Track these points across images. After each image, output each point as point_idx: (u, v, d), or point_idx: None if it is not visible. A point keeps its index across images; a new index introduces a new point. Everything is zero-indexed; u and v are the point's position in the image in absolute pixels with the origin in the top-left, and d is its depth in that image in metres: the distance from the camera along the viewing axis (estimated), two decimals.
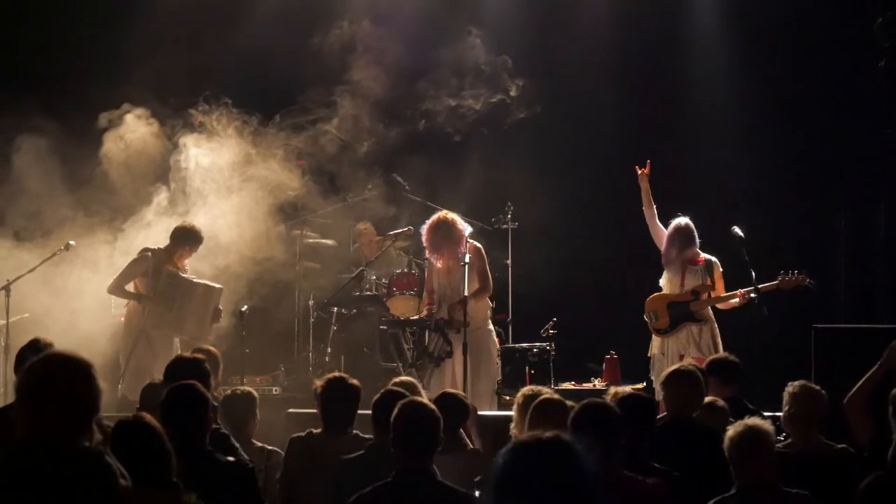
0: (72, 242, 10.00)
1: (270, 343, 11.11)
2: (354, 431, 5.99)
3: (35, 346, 5.96)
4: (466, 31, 11.36)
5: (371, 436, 5.72)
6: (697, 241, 9.39)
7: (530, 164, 11.93)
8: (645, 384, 9.63)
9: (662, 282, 9.54)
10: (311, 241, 11.90)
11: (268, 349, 11.05)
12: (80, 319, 9.97)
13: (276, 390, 10.67)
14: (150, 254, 9.46)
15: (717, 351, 8.95)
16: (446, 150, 11.77)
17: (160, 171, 10.66)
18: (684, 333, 9.34)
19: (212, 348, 7.42)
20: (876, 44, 10.90)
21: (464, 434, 5.99)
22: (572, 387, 10.42)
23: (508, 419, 6.44)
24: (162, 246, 9.54)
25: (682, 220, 9.43)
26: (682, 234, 9.38)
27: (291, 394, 10.35)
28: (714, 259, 9.44)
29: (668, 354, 9.34)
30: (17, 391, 3.89)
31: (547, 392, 6.01)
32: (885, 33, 10.76)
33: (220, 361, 7.22)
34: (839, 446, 5.91)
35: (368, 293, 11.12)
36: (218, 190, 10.42)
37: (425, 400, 5.23)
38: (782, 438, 6.00)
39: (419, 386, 6.59)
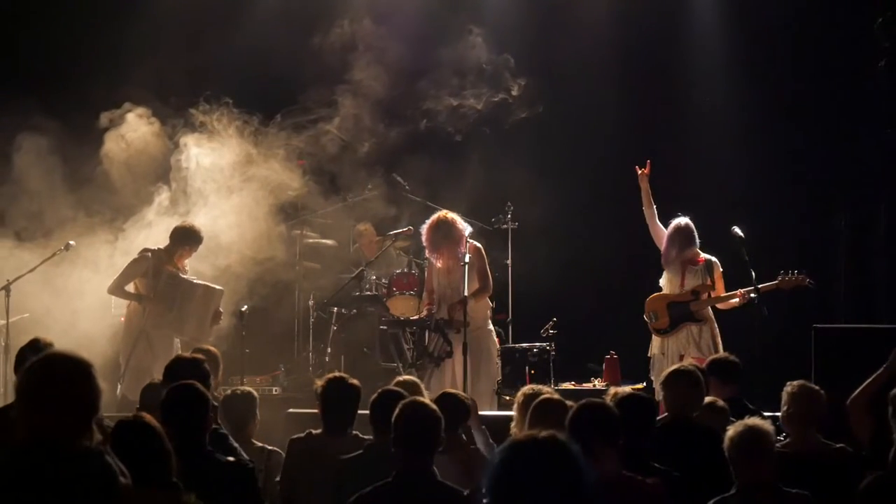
0: (72, 242, 10.00)
1: (270, 343, 11.11)
2: (354, 432, 5.99)
3: (35, 346, 5.96)
4: (467, 29, 11.36)
5: (371, 436, 5.72)
6: (697, 241, 9.39)
7: (530, 163, 11.93)
8: (645, 384, 9.63)
9: (662, 282, 9.54)
10: (311, 241, 11.90)
11: (268, 349, 11.04)
12: (80, 319, 9.97)
13: (276, 390, 10.67)
14: (149, 254, 9.45)
15: (717, 351, 8.95)
16: (446, 150, 11.77)
17: (161, 170, 10.66)
18: (684, 333, 9.34)
19: (212, 348, 7.42)
20: (876, 44, 10.90)
21: (463, 434, 5.98)
22: (572, 387, 10.42)
23: (508, 419, 6.44)
24: (162, 246, 9.53)
25: (683, 220, 9.43)
26: (682, 234, 9.38)
27: (291, 394, 10.35)
28: (714, 259, 9.44)
29: (668, 354, 9.34)
30: (17, 391, 3.88)
31: (547, 391, 6.02)
32: (885, 33, 10.76)
33: (220, 361, 7.22)
34: (837, 446, 5.92)
35: (368, 293, 11.12)
36: (218, 190, 10.42)
37: (426, 400, 5.23)
38: (782, 438, 6.00)
39: (422, 386, 6.59)
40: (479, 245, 9.49)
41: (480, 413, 6.60)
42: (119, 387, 9.19)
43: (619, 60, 12.37)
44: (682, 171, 11.65)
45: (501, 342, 10.42)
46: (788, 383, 6.02)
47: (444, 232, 9.29)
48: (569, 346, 10.80)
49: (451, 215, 9.42)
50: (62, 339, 7.29)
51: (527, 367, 10.29)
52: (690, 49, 12.46)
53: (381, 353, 10.90)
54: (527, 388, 6.18)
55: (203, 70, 11.52)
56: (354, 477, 5.18)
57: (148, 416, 4.60)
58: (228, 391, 6.73)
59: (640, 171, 9.67)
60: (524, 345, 10.57)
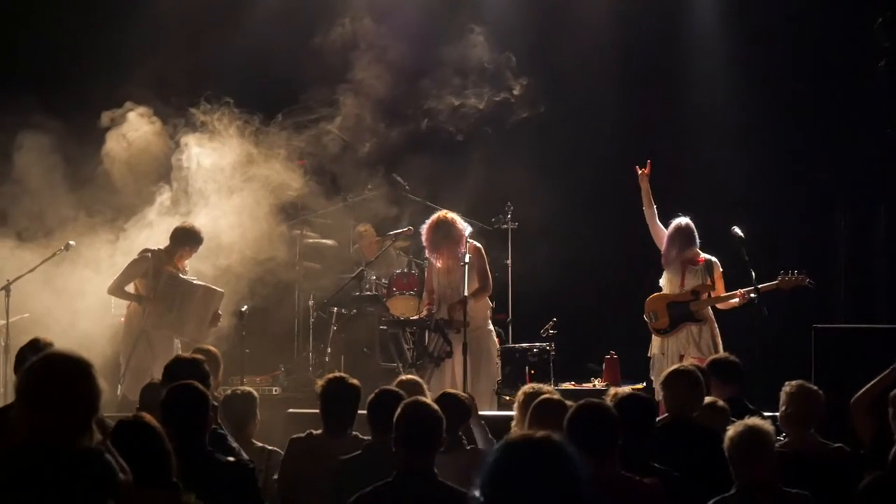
0: (72, 242, 9.99)
1: (270, 343, 11.10)
2: (354, 433, 5.99)
3: (35, 346, 5.96)
4: (468, 28, 11.36)
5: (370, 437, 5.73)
6: (698, 241, 9.39)
7: (530, 163, 11.93)
8: (645, 384, 9.63)
9: (662, 282, 9.54)
10: (311, 241, 11.90)
11: (268, 349, 11.04)
12: (80, 320, 9.96)
13: (276, 390, 10.66)
14: (149, 255, 9.45)
15: (717, 351, 8.95)
16: (447, 150, 11.77)
17: (163, 170, 10.65)
18: (684, 333, 9.34)
19: (212, 348, 7.41)
20: (876, 44, 10.91)
21: (463, 436, 5.98)
22: (572, 387, 10.41)
23: (508, 419, 6.44)
24: (162, 247, 9.53)
25: (683, 220, 9.43)
26: (682, 234, 9.38)
27: (291, 394, 10.35)
28: (714, 259, 9.44)
29: (668, 354, 9.34)
30: (17, 391, 3.88)
31: (547, 391, 6.02)
32: (885, 33, 10.77)
33: (220, 362, 7.21)
34: (835, 445, 5.93)
35: (368, 293, 11.11)
36: (219, 190, 10.42)
37: (428, 400, 5.23)
38: (782, 438, 6.00)
39: (425, 385, 6.59)
40: (479, 245, 9.49)
41: (480, 413, 6.60)
42: (119, 387, 9.19)
43: (619, 60, 12.37)
44: (682, 171, 11.65)
45: (501, 342, 10.42)
46: (787, 383, 6.03)
47: (444, 232, 9.29)
48: (569, 346, 10.80)
49: (451, 215, 9.42)
50: (62, 339, 7.28)
51: (527, 367, 10.29)
52: (690, 49, 12.46)
53: (381, 353, 10.89)
54: (527, 387, 6.19)
55: (203, 70, 11.52)
56: (353, 477, 5.18)
57: (148, 416, 4.60)
58: (228, 391, 6.73)
59: (640, 171, 9.67)
60: (524, 345, 10.57)
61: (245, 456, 5.56)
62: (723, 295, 9.33)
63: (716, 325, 9.36)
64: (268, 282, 10.63)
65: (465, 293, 8.90)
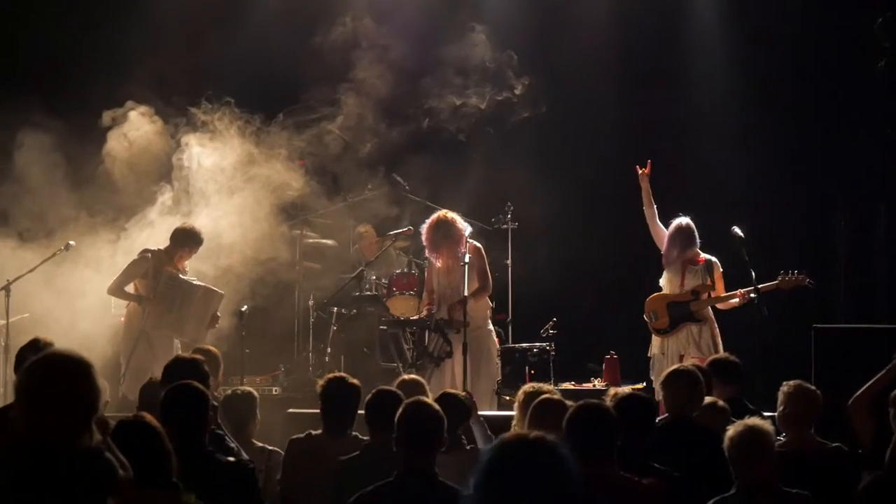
0: (72, 242, 9.99)
1: (270, 343, 11.10)
2: (354, 433, 5.98)
3: (35, 346, 5.95)
4: (469, 27, 11.36)
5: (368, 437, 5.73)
6: (698, 240, 9.39)
7: (530, 163, 11.93)
8: (645, 384, 9.63)
9: (662, 282, 9.55)
10: (311, 241, 11.90)
11: (268, 349, 11.04)
12: (80, 320, 9.96)
13: (275, 390, 10.66)
14: (149, 255, 9.45)
15: (717, 351, 8.95)
16: (447, 150, 11.77)
17: (164, 169, 10.65)
18: (684, 333, 9.34)
19: (212, 348, 7.41)
20: (876, 44, 10.90)
21: (463, 436, 5.98)
22: (572, 387, 10.40)
23: (508, 419, 6.44)
24: (162, 247, 9.53)
25: (683, 220, 9.43)
26: (682, 234, 9.38)
27: (291, 394, 10.35)
28: (714, 259, 9.44)
29: (668, 354, 9.34)
30: (17, 390, 3.87)
31: (548, 390, 6.02)
32: (885, 33, 10.78)
33: (220, 362, 7.20)
34: (833, 445, 5.93)
35: (368, 293, 11.11)
36: (220, 190, 10.42)
37: (429, 400, 5.23)
38: (782, 438, 6.00)
39: (426, 385, 6.59)
40: (479, 245, 9.49)
41: (480, 413, 6.60)
42: (120, 387, 9.18)
43: (619, 60, 12.37)
44: (682, 171, 11.65)
45: (501, 342, 10.41)
46: (784, 383, 6.04)
47: (444, 231, 9.29)
48: (569, 346, 10.80)
49: (451, 215, 9.43)
50: (62, 340, 7.26)
51: (527, 367, 10.28)
52: (690, 49, 12.45)
53: (381, 353, 10.89)
54: (528, 387, 6.19)
55: (204, 70, 11.52)
56: (352, 478, 5.19)
57: (148, 416, 4.60)
58: (229, 391, 6.73)
59: (640, 171, 9.67)
60: (524, 345, 10.57)
61: (245, 456, 5.56)
62: (723, 295, 9.34)
63: (716, 325, 9.36)
64: (268, 282, 10.62)
65: (465, 293, 8.90)
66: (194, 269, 9.79)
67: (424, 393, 6.07)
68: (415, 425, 4.85)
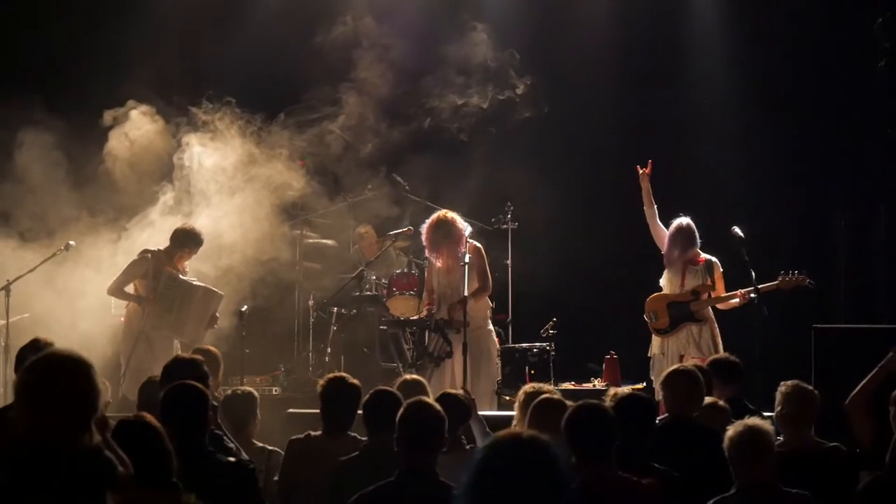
0: (72, 242, 9.98)
1: (270, 343, 11.10)
2: (353, 434, 5.98)
3: (35, 346, 5.95)
4: (471, 26, 11.36)
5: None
6: (698, 241, 9.40)
7: (530, 163, 11.93)
8: (645, 384, 9.63)
9: (662, 282, 9.55)
10: (311, 241, 11.90)
11: (268, 349, 11.03)
12: (80, 320, 9.95)
13: (275, 390, 10.66)
14: (149, 255, 9.45)
15: (717, 351, 8.95)
16: (448, 150, 11.77)
17: (165, 169, 10.65)
18: (684, 333, 9.34)
19: (212, 349, 7.40)
20: (876, 44, 10.90)
21: (463, 436, 5.98)
22: (572, 387, 10.40)
23: (508, 419, 6.44)
24: (162, 247, 9.53)
25: (684, 221, 9.43)
26: (683, 235, 9.38)
27: (291, 394, 10.35)
28: (714, 259, 9.44)
29: (668, 354, 9.35)
30: (17, 390, 3.87)
31: (548, 390, 6.02)
32: (885, 33, 10.77)
33: (220, 362, 7.20)
34: (831, 444, 5.93)
35: (368, 293, 11.11)
36: (221, 190, 10.42)
37: (431, 400, 5.23)
38: (780, 438, 6.00)
39: (427, 386, 6.59)
40: (478, 245, 9.49)
41: (480, 413, 6.60)
42: (120, 387, 9.17)
43: (619, 60, 12.37)
44: (682, 171, 11.65)
45: (501, 342, 10.41)
46: (782, 383, 6.04)
47: (444, 231, 9.29)
48: (569, 346, 10.79)
49: (451, 215, 9.43)
50: (63, 340, 7.25)
51: (527, 367, 10.27)
52: (690, 49, 12.45)
53: (381, 353, 10.89)
54: (528, 387, 6.18)
55: (205, 69, 11.53)
56: (351, 478, 5.18)
57: (149, 416, 4.60)
58: (229, 391, 6.73)
59: (641, 171, 9.67)
60: (524, 345, 10.56)
61: (244, 456, 5.56)
62: (723, 295, 9.34)
63: (716, 326, 9.37)
64: (269, 282, 10.62)
65: (465, 293, 8.90)
66: (195, 270, 9.78)
67: (425, 393, 6.06)
68: (416, 425, 4.85)
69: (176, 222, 9.81)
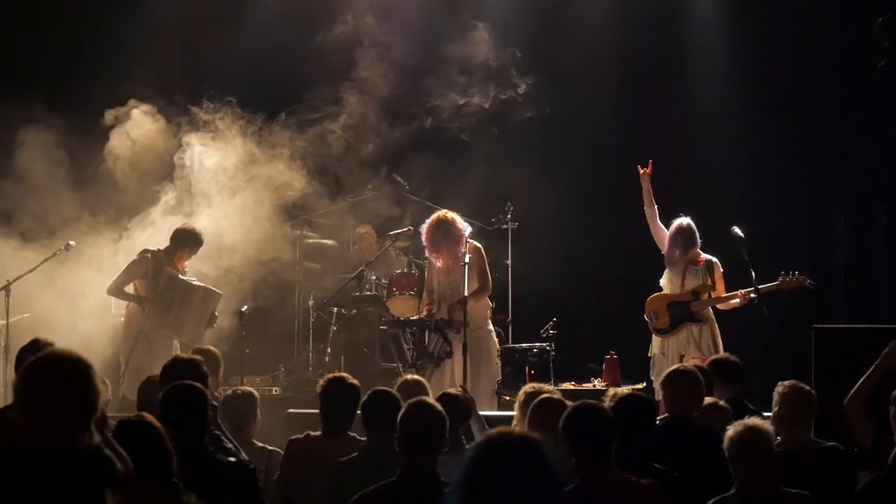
0: (72, 242, 9.98)
1: (270, 343, 11.10)
2: (352, 434, 5.98)
3: (35, 346, 5.94)
4: (471, 25, 11.35)
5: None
6: (699, 241, 9.40)
7: (530, 163, 11.93)
8: (645, 384, 9.63)
9: (663, 282, 9.55)
10: (311, 241, 11.90)
11: (268, 349, 11.04)
12: (81, 320, 9.96)
13: (275, 390, 10.66)
14: (149, 255, 9.45)
15: (717, 351, 8.96)
16: (448, 149, 11.77)
17: (166, 168, 10.65)
18: (684, 333, 9.34)
19: (212, 349, 7.40)
20: (876, 44, 10.90)
21: (463, 436, 5.98)
22: (572, 387, 10.40)
23: (508, 419, 6.44)
24: (162, 247, 9.53)
25: (684, 221, 9.44)
26: (683, 235, 9.39)
27: (291, 394, 10.35)
28: (714, 259, 9.44)
29: (668, 354, 9.35)
30: (17, 390, 3.86)
31: (548, 390, 6.01)
32: (885, 33, 10.77)
33: (220, 362, 7.19)
34: (829, 444, 5.93)
35: (368, 293, 11.12)
36: (222, 190, 10.42)
37: (432, 400, 5.23)
38: (779, 438, 6.00)
39: (427, 386, 6.59)
40: (478, 245, 9.49)
41: (480, 413, 6.60)
42: (120, 387, 9.17)
43: (619, 60, 12.37)
44: (682, 171, 11.64)
45: (501, 342, 10.41)
46: (779, 384, 6.04)
47: (444, 231, 9.29)
48: (569, 346, 10.79)
49: (451, 215, 9.43)
50: (63, 340, 7.25)
51: (527, 367, 10.27)
52: (690, 49, 12.45)
53: (381, 353, 10.90)
54: (528, 387, 6.19)
55: (205, 69, 11.52)
56: (350, 479, 5.18)
57: (150, 416, 4.60)
58: (229, 391, 6.73)
59: (642, 171, 9.67)
60: (524, 345, 10.56)
61: (244, 455, 5.55)
62: (723, 295, 9.34)
63: (716, 326, 9.37)
64: (270, 282, 10.63)
65: (465, 293, 8.90)
66: (196, 270, 9.78)
67: (425, 393, 6.06)
68: (418, 425, 4.85)
69: (177, 222, 9.81)
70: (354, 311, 11.17)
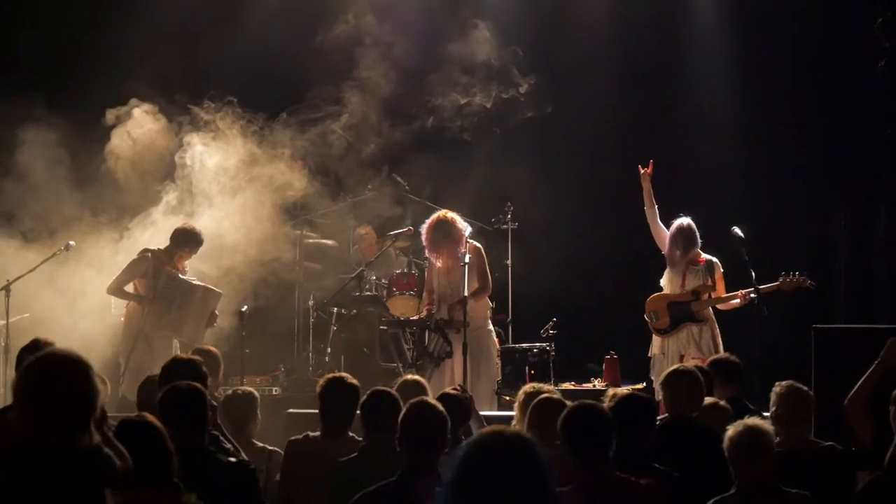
0: (71, 243, 9.98)
1: (270, 343, 11.10)
2: (351, 434, 5.98)
3: (35, 346, 5.94)
4: (472, 24, 11.35)
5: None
6: (699, 241, 9.40)
7: (530, 163, 11.93)
8: (645, 384, 9.63)
9: (663, 282, 9.55)
10: (311, 241, 11.90)
11: (268, 349, 11.04)
12: (81, 320, 9.96)
13: (275, 390, 10.66)
14: (149, 255, 9.45)
15: (717, 351, 8.96)
16: (449, 149, 11.77)
17: (168, 168, 10.65)
18: (685, 333, 9.34)
19: (212, 349, 7.39)
20: (876, 44, 10.90)
21: (463, 435, 5.98)
22: (572, 387, 10.40)
23: (508, 419, 6.44)
24: (162, 247, 9.53)
25: (685, 221, 9.44)
26: (683, 235, 9.39)
27: (291, 394, 10.35)
28: (715, 259, 9.44)
29: (668, 354, 9.35)
30: (16, 390, 3.85)
31: (548, 391, 6.01)
32: (885, 33, 10.77)
33: (220, 362, 7.18)
34: (826, 444, 5.94)
35: (368, 293, 11.12)
36: (223, 190, 10.42)
37: (434, 400, 5.23)
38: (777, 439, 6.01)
39: (427, 386, 6.59)
40: (478, 245, 9.50)
41: (480, 413, 6.60)
42: (120, 387, 9.17)
43: (619, 60, 12.37)
44: (682, 171, 11.65)
45: (501, 342, 10.41)
46: (777, 384, 6.04)
47: (444, 231, 9.29)
48: (569, 346, 10.80)
49: (451, 215, 9.43)
50: (63, 340, 7.24)
51: (527, 367, 10.27)
52: (690, 49, 12.45)
53: (381, 353, 10.90)
54: (528, 387, 6.19)
55: (206, 69, 11.52)
56: (350, 479, 5.18)
57: (151, 417, 4.60)
58: (229, 391, 6.73)
59: (642, 171, 9.67)
60: (524, 345, 10.56)
61: (243, 455, 5.55)
62: (724, 296, 9.34)
63: (716, 326, 9.37)
64: (270, 282, 10.63)
65: (465, 293, 8.90)
66: (196, 270, 9.78)
67: (425, 394, 6.06)
68: (419, 426, 4.85)
69: (178, 222, 9.81)
70: (354, 311, 11.17)
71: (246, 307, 9.80)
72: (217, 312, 9.58)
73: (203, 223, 9.91)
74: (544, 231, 11.82)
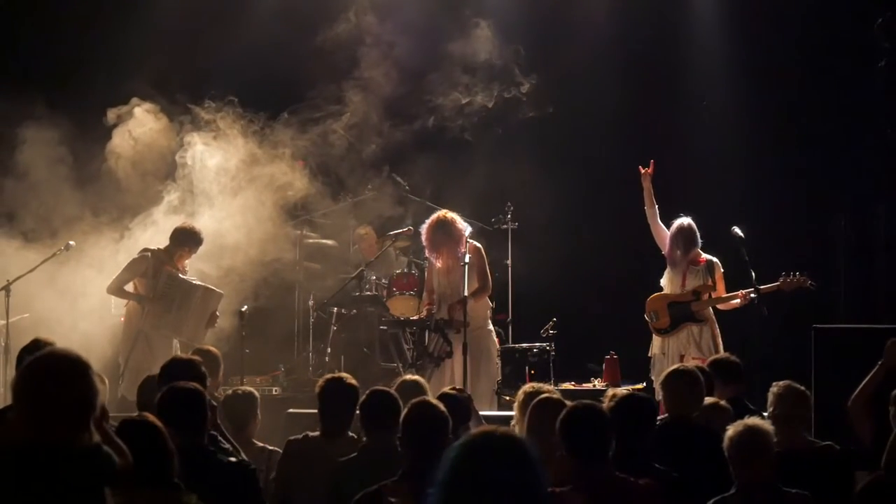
0: (71, 243, 9.98)
1: (270, 343, 11.10)
2: (351, 434, 5.98)
3: (36, 346, 5.94)
4: (473, 23, 11.35)
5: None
6: (699, 241, 9.40)
7: (531, 163, 11.93)
8: (645, 384, 9.63)
9: (663, 281, 9.55)
10: (312, 241, 11.90)
11: (268, 349, 11.04)
12: (81, 320, 9.96)
13: (275, 390, 10.66)
14: (149, 254, 9.45)
15: (717, 351, 8.96)
16: (449, 149, 11.77)
17: (169, 167, 10.65)
18: (685, 333, 9.34)
19: (212, 349, 7.39)
20: (876, 44, 10.90)
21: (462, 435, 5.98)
22: (572, 387, 10.41)
23: (508, 419, 6.44)
24: (163, 246, 9.53)
25: (685, 221, 9.44)
26: (684, 235, 9.39)
27: (291, 394, 10.35)
28: (715, 259, 9.45)
29: (668, 354, 9.35)
30: (16, 390, 3.86)
31: (548, 391, 6.01)
32: (885, 33, 10.77)
33: (220, 362, 7.19)
34: (824, 444, 5.94)
35: (368, 293, 11.12)
36: (223, 190, 10.42)
37: (435, 400, 5.23)
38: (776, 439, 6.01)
39: (427, 386, 6.59)
40: (478, 245, 9.50)
41: (480, 413, 6.60)
42: (119, 387, 9.17)
43: (619, 60, 12.36)
44: (682, 171, 11.64)
45: (501, 342, 10.41)
46: (774, 384, 6.05)
47: (444, 231, 9.30)
48: (569, 346, 10.79)
49: (451, 215, 9.43)
50: (63, 340, 7.24)
51: (527, 367, 10.28)
52: (690, 49, 12.45)
53: (381, 353, 10.90)
54: (528, 387, 6.18)
55: (206, 69, 11.52)
56: (350, 479, 5.18)
57: (151, 417, 4.60)
58: (229, 391, 6.73)
59: (643, 171, 9.67)
60: (524, 345, 10.56)
61: (243, 455, 5.55)
62: (724, 296, 9.34)
63: (716, 326, 9.37)
64: (271, 282, 10.63)
65: (465, 293, 8.90)
66: (197, 270, 9.78)
67: (424, 394, 6.06)
68: (421, 426, 4.86)
69: (179, 222, 9.80)
70: (354, 311, 11.17)
71: (246, 307, 9.80)
72: (218, 313, 9.57)
73: (204, 223, 9.91)
74: (544, 231, 11.82)
